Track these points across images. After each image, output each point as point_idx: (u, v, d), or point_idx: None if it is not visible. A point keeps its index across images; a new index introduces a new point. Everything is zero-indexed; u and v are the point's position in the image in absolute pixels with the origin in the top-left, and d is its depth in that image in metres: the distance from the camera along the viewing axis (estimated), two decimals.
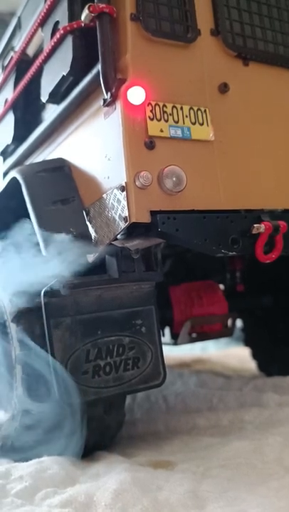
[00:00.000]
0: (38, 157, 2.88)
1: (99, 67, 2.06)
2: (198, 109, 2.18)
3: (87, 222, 2.24)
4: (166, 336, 3.38)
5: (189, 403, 3.16)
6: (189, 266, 3.59)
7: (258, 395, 3.14)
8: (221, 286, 3.67)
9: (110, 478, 1.91)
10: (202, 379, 3.88)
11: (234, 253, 2.15)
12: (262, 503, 1.70)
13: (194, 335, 3.31)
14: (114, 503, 1.75)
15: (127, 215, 1.97)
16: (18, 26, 3.20)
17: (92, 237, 2.19)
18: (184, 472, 2.06)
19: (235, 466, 2.08)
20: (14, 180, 2.45)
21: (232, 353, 5.60)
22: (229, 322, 3.47)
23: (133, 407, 3.16)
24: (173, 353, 4.85)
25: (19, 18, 3.19)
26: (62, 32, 2.26)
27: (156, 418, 2.91)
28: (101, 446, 2.36)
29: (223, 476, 2.00)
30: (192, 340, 3.35)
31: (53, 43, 2.36)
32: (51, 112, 2.58)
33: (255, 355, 4.19)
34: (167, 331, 3.40)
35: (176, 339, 3.27)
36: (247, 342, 4.27)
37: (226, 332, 3.47)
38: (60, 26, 2.33)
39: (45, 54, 2.47)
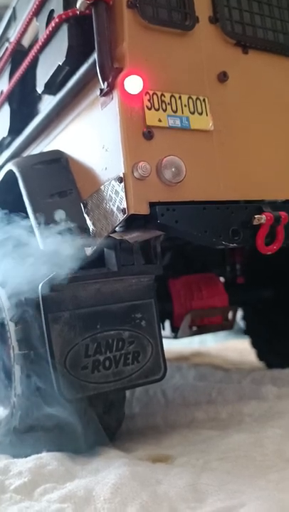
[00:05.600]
0: (35, 149, 2.84)
1: (95, 56, 2.01)
2: (197, 99, 2.14)
3: (85, 215, 2.21)
4: (166, 329, 3.35)
5: (188, 397, 3.16)
6: (189, 258, 3.56)
7: (256, 387, 3.15)
8: (221, 279, 3.64)
9: (109, 473, 1.90)
10: (201, 372, 3.87)
11: (235, 245, 2.12)
12: (261, 495, 1.69)
13: (194, 328, 3.29)
14: (114, 497, 1.74)
15: (125, 206, 1.93)
16: (13, 17, 3.15)
17: (90, 229, 2.16)
18: (183, 465, 2.05)
19: (234, 459, 2.07)
20: (10, 173, 2.41)
21: (231, 346, 5.61)
22: (230, 315, 3.44)
23: (132, 401, 3.15)
24: (171, 346, 4.83)
25: (14, 9, 3.14)
26: (57, 20, 2.21)
27: (154, 412, 2.90)
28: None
29: (222, 468, 1.99)
30: (192, 334, 3.33)
31: (48, 32, 2.31)
32: (47, 103, 2.54)
33: (254, 344, 4.18)
34: (167, 324, 3.37)
35: (176, 332, 3.25)
36: (247, 331, 4.25)
37: (226, 325, 3.44)
38: (55, 15, 2.28)
39: (41, 43, 2.42)
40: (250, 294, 3.87)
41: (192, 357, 5.09)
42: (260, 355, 4.13)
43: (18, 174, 2.33)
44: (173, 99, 2.07)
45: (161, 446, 2.38)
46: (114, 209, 1.99)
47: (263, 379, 3.43)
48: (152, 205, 1.97)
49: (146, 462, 2.12)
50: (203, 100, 2.16)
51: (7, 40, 3.17)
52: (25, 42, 2.92)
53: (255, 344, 4.18)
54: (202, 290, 3.27)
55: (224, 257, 3.72)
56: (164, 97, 2.06)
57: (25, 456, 2.11)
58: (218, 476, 1.90)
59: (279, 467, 1.97)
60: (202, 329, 3.34)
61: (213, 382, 3.45)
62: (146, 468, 1.99)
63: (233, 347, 5.51)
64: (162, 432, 2.60)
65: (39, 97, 2.76)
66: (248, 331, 4.24)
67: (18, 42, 2.87)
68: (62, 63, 2.23)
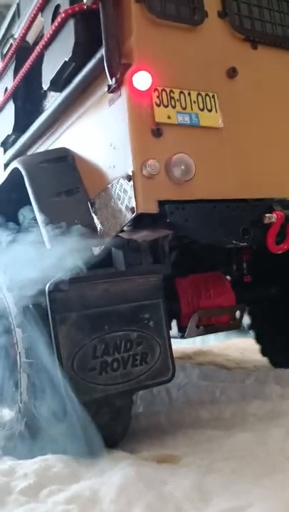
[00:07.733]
0: (40, 147, 2.81)
1: (102, 51, 1.98)
2: (207, 95, 2.11)
3: (93, 214, 2.18)
4: (173, 329, 3.32)
5: (192, 396, 3.14)
6: (196, 257, 3.53)
7: (260, 387, 3.13)
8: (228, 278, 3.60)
9: (114, 474, 1.89)
10: (205, 371, 3.86)
11: (245, 244, 2.09)
12: (267, 495, 1.69)
13: (202, 327, 3.25)
14: (119, 498, 1.74)
15: (134, 205, 1.90)
16: (17, 13, 3.12)
17: (98, 229, 2.13)
18: (188, 466, 2.04)
19: (239, 459, 2.06)
20: (16, 171, 2.38)
21: (233, 345, 5.58)
22: (237, 314, 3.40)
23: (136, 401, 3.12)
24: (174, 345, 4.81)
25: (18, 5, 3.11)
26: (63, 16, 2.18)
27: (159, 411, 2.88)
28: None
29: (227, 468, 1.98)
30: (200, 333, 3.29)
31: (53, 28, 2.27)
32: (53, 100, 2.51)
33: (258, 340, 4.15)
34: (174, 323, 3.33)
35: (183, 332, 3.21)
36: (252, 326, 4.21)
37: (233, 324, 3.40)
38: (61, 10, 2.25)
39: (46, 39, 2.39)
40: (257, 293, 3.83)
41: (195, 356, 5.07)
42: (264, 351, 4.11)
43: (24, 172, 2.30)
44: (182, 96, 2.04)
45: (165, 447, 2.37)
46: (123, 208, 1.96)
47: (267, 378, 3.42)
48: (161, 203, 1.93)
49: (151, 463, 2.11)
50: (213, 96, 2.13)
51: (11, 36, 3.14)
52: (30, 38, 2.89)
53: (259, 340, 4.15)
54: (209, 289, 3.22)
55: (231, 256, 3.68)
56: (173, 93, 2.02)
57: (31, 458, 2.09)
58: (223, 476, 1.89)
59: (284, 466, 1.96)
60: (209, 329, 3.30)
61: (217, 382, 3.44)
62: (152, 469, 1.98)
63: (235, 346, 5.49)
64: (166, 432, 2.58)
65: (45, 94, 2.73)
66: (253, 326, 4.21)
67: (23, 38, 2.84)
68: (69, 59, 2.20)
